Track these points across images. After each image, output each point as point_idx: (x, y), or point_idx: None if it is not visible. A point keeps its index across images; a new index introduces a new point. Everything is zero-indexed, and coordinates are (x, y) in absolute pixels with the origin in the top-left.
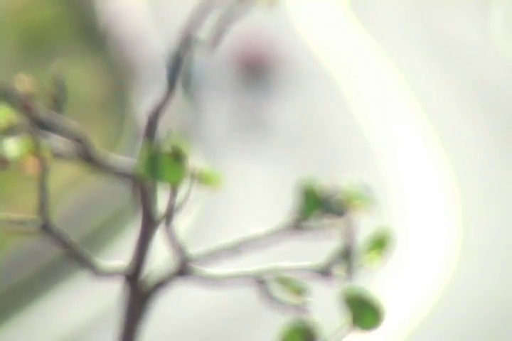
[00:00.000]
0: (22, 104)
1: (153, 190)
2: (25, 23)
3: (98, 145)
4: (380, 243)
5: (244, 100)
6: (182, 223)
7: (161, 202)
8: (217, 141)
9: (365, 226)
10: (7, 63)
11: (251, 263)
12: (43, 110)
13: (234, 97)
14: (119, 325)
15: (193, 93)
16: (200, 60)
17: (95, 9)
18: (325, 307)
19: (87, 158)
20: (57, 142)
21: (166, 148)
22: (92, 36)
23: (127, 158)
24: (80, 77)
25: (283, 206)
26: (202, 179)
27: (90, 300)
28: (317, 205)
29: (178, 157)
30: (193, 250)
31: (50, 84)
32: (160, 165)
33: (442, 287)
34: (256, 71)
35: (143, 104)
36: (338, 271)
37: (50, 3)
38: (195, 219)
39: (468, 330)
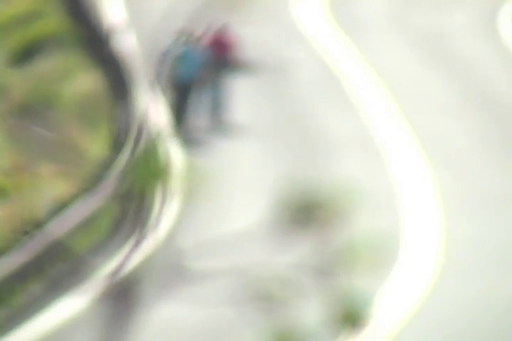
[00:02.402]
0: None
1: (143, 192)
2: (26, 26)
3: (97, 143)
4: (370, 246)
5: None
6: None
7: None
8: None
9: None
10: (5, 64)
11: (240, 258)
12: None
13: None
14: (105, 324)
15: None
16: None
17: (96, 14)
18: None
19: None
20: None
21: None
22: (92, 39)
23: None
24: (81, 77)
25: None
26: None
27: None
28: (301, 206)
29: (163, 161)
30: (184, 242)
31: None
32: (147, 168)
33: (426, 292)
34: (223, 62)
35: (138, 105)
36: (323, 267)
37: (52, 9)
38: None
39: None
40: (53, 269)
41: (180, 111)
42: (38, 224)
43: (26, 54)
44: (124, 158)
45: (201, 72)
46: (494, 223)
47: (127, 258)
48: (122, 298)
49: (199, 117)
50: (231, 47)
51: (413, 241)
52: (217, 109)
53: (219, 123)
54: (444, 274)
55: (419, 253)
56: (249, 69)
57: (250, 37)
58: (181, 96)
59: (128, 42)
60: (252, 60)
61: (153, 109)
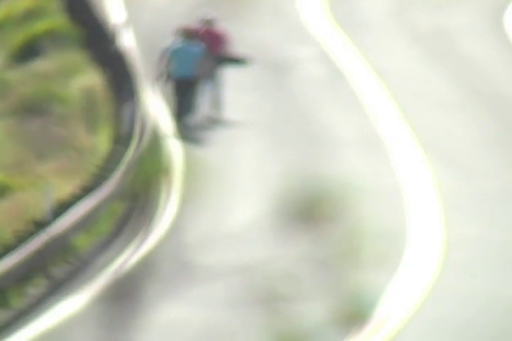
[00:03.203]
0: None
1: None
2: (28, 24)
3: (101, 141)
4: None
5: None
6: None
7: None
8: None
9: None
10: (7, 62)
11: (244, 254)
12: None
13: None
14: (107, 324)
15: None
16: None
17: (97, 12)
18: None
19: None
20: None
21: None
22: (94, 37)
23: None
24: (83, 75)
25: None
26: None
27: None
28: (304, 201)
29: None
30: (187, 239)
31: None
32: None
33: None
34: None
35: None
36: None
37: (54, 6)
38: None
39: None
40: (55, 269)
41: (181, 106)
42: (40, 223)
43: (28, 51)
44: (127, 155)
45: (199, 66)
46: (493, 221)
47: (130, 256)
48: (125, 297)
49: (199, 112)
50: (221, 40)
51: (414, 237)
52: (215, 103)
53: (219, 118)
54: (444, 272)
55: (421, 250)
56: (243, 63)
57: (250, 34)
58: (181, 91)
59: (129, 40)
60: (245, 53)
61: (155, 105)
